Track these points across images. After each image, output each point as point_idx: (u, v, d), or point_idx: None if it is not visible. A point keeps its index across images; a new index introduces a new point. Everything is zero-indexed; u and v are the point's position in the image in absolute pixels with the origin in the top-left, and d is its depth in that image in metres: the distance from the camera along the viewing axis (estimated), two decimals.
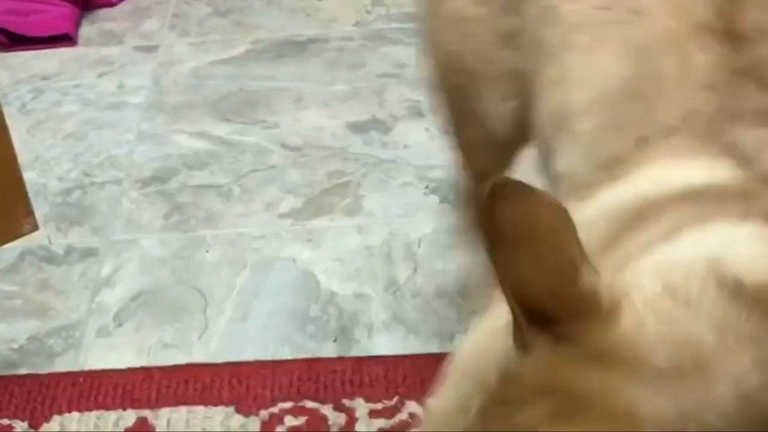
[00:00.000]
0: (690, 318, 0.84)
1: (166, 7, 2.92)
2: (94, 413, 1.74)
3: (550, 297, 0.84)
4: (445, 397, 1.17)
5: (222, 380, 1.79)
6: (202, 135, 2.41)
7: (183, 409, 1.74)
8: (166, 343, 1.89)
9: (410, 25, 2.72)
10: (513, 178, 0.87)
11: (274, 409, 1.73)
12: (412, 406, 1.71)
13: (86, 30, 2.83)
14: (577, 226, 0.84)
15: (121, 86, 2.60)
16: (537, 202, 0.85)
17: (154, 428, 1.72)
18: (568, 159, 1.27)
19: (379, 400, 1.73)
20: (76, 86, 2.60)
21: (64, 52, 2.74)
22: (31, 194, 1.85)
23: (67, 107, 2.53)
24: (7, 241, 1.82)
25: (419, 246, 2.04)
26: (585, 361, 0.83)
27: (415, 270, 1.99)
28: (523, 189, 0.86)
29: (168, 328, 1.91)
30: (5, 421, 1.74)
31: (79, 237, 2.13)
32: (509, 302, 0.87)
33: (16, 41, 2.76)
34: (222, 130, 2.42)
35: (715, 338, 0.82)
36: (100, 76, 2.64)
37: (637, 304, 0.84)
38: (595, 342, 0.83)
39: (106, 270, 2.05)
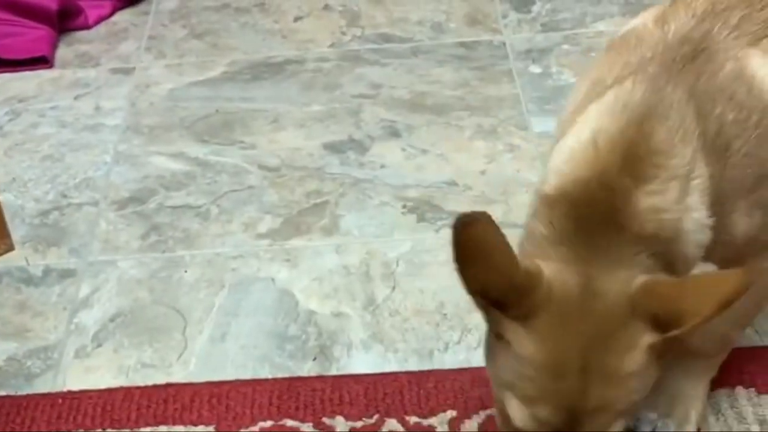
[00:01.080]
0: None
1: (143, 29, 2.92)
2: None
3: (501, 291, 1.25)
4: None
5: (202, 400, 1.79)
6: (179, 156, 2.41)
7: (163, 429, 1.74)
8: (145, 363, 1.89)
9: (385, 45, 2.75)
10: (472, 213, 1.23)
11: (254, 428, 1.73)
12: (392, 423, 1.72)
13: (63, 52, 2.83)
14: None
15: (97, 108, 2.60)
16: (485, 228, 1.23)
17: None
18: None
19: (359, 418, 1.73)
20: (53, 108, 2.61)
21: (41, 74, 2.74)
22: (8, 216, 1.86)
23: (44, 129, 2.53)
24: None
25: (397, 265, 2.05)
26: (517, 320, 1.27)
27: (393, 289, 2.00)
28: (476, 218, 1.23)
29: (147, 349, 1.92)
30: None
31: (56, 258, 2.13)
32: (476, 301, 1.28)
33: None
34: (199, 151, 2.42)
35: None
36: (76, 98, 2.64)
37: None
38: (524, 309, 1.26)
39: (84, 291, 2.05)
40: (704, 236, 1.35)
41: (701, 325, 1.24)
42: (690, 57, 1.38)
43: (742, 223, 1.42)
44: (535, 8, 2.88)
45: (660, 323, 1.24)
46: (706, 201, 1.34)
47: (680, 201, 1.32)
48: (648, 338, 1.25)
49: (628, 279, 1.27)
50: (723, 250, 1.40)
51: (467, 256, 1.24)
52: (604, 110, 1.36)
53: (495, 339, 1.33)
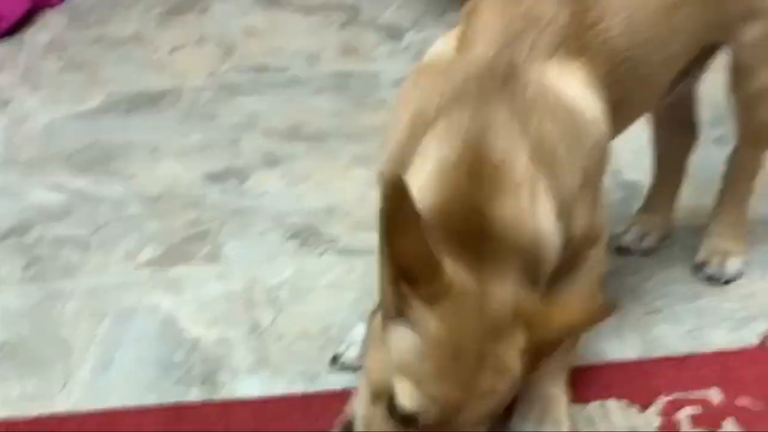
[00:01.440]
0: None
1: (17, 61, 2.90)
2: None
3: (417, 264, 1.37)
4: None
5: (89, 430, 1.78)
6: (58, 187, 2.40)
7: None
8: (28, 394, 1.88)
9: (262, 75, 2.79)
10: (399, 178, 1.34)
11: None
12: None
13: None
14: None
15: None
16: (410, 200, 1.33)
17: None
18: None
19: None
20: None
21: None
22: None
23: None
24: None
25: (280, 290, 2.08)
26: (424, 300, 1.40)
27: (278, 314, 2.03)
28: (400, 187, 1.33)
29: (30, 380, 1.90)
30: None
31: None
32: (392, 270, 1.38)
33: None
34: (78, 182, 2.42)
35: None
36: None
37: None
38: (431, 290, 1.39)
39: None
40: (557, 241, 1.50)
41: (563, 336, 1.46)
42: (500, 82, 1.51)
43: (579, 223, 1.57)
44: (407, 38, 2.95)
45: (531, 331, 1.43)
46: (552, 208, 1.49)
47: (531, 209, 1.46)
48: (522, 341, 1.43)
49: (511, 287, 1.43)
50: (563, 252, 1.55)
51: (396, 223, 1.34)
52: (439, 140, 1.49)
53: (394, 320, 1.43)
